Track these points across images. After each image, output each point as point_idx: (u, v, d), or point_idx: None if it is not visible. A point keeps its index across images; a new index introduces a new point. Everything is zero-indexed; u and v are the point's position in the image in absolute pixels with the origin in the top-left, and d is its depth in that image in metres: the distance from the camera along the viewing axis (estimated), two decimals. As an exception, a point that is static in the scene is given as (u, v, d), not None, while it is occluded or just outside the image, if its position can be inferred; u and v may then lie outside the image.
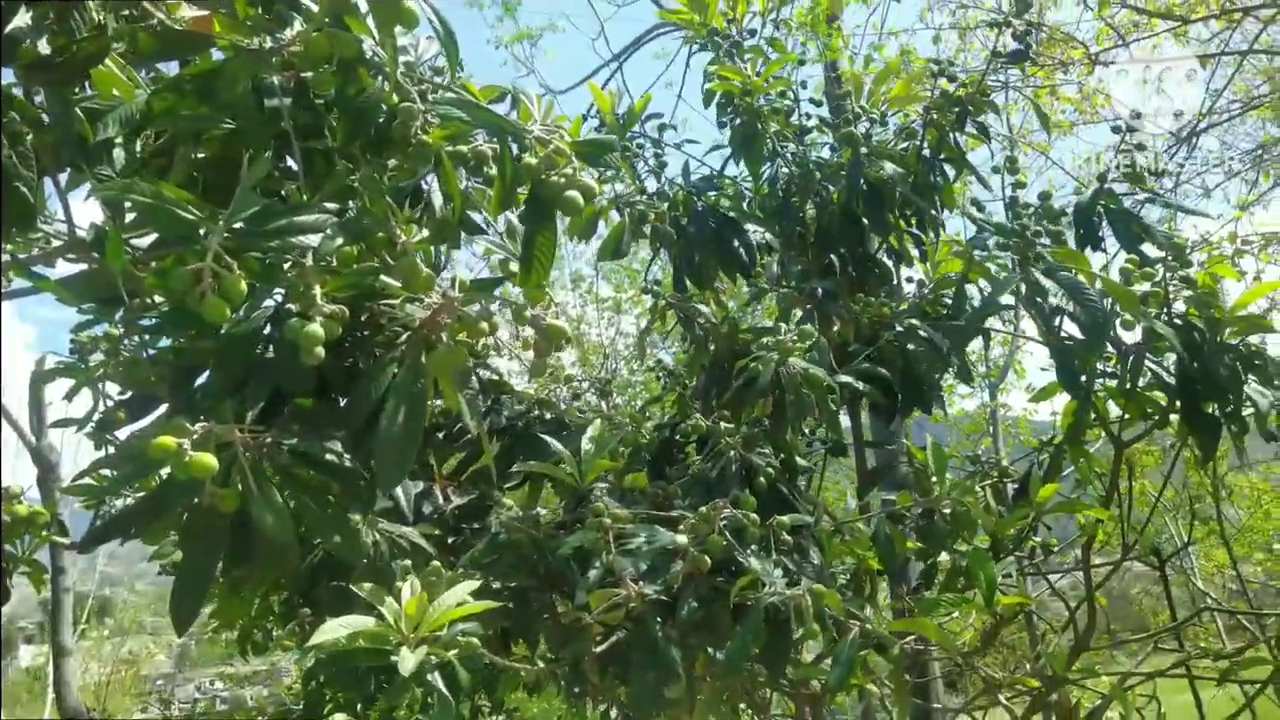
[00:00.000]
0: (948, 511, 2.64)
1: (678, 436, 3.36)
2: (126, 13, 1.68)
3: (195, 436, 1.26)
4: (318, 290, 1.33)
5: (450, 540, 2.84)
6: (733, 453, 2.23)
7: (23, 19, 1.52)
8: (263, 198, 1.34)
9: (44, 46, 1.59)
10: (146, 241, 1.66)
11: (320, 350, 1.31)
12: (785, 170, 3.13)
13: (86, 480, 2.80)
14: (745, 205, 3.34)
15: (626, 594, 1.84)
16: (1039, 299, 2.23)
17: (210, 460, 1.23)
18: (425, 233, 1.53)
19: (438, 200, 1.71)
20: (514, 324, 1.46)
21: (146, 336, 1.89)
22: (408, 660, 1.43)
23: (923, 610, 1.99)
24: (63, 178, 1.87)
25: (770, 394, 2.22)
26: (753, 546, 1.98)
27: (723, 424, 2.28)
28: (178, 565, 1.44)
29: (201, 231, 1.26)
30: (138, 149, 2.05)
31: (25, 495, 2.17)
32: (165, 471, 1.52)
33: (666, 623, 1.92)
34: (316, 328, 1.30)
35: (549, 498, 3.15)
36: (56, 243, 1.98)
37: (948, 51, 7.40)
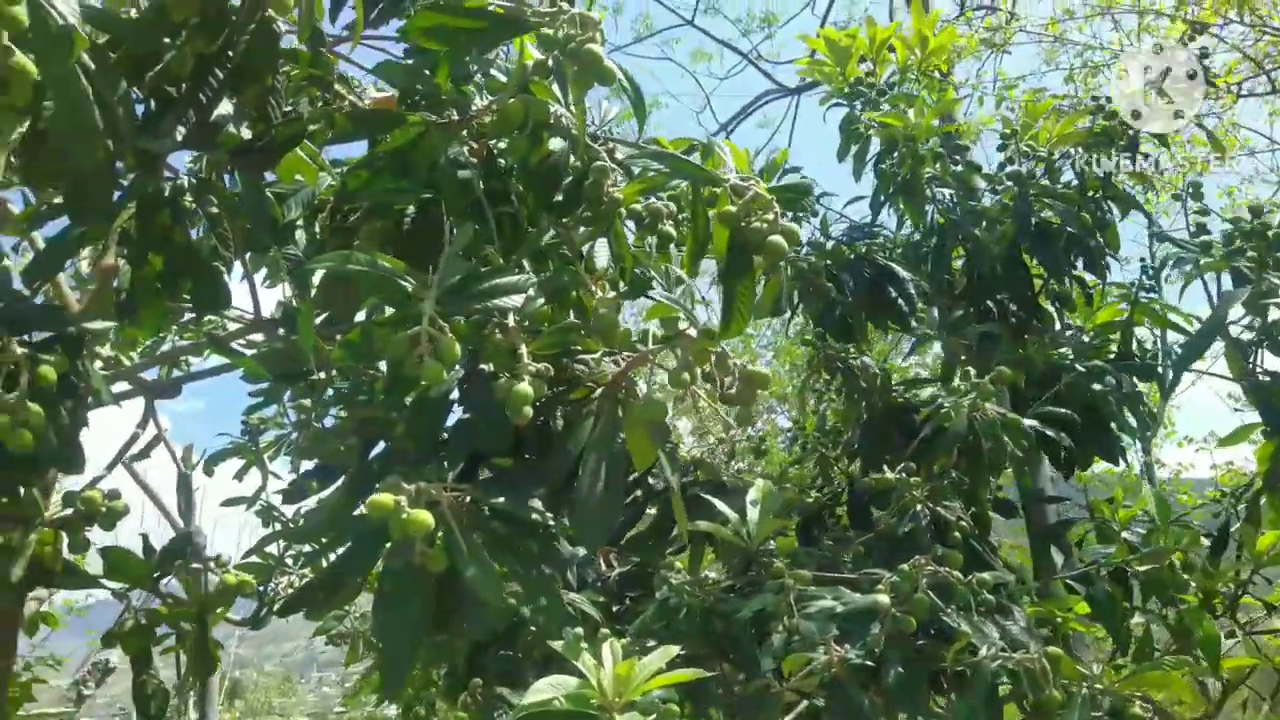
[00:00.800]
0: (1143, 569, 2.45)
1: (826, 497, 3.25)
2: (319, 98, 1.76)
3: (411, 495, 1.25)
4: (524, 350, 1.32)
5: (615, 608, 2.79)
6: (920, 507, 2.12)
7: (225, 107, 1.60)
8: (466, 262, 1.36)
9: (245, 133, 1.68)
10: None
11: (529, 410, 1.30)
12: (939, 217, 3.05)
13: (254, 558, 2.88)
14: (892, 254, 3.27)
15: (828, 658, 1.74)
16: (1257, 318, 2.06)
17: (427, 517, 1.23)
18: (613, 291, 1.52)
19: (601, 259, 1.71)
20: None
21: (335, 408, 1.94)
22: (623, 722, 1.37)
23: (1144, 673, 1.81)
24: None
25: (960, 444, 2.11)
26: (952, 606, 1.86)
27: (910, 477, 2.18)
28: (383, 629, 1.42)
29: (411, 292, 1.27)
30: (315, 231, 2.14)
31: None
32: (359, 539, 1.54)
33: (868, 689, 1.81)
34: (526, 387, 1.29)
35: (705, 561, 3.07)
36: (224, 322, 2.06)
37: (1077, 90, 7.19)
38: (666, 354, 1.40)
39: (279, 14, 1.25)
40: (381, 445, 1.81)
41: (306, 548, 3.45)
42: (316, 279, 1.88)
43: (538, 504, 1.44)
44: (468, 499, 1.41)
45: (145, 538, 1.66)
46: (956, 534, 2.06)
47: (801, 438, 3.75)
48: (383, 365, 1.97)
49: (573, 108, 1.43)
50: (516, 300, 1.35)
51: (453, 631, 1.44)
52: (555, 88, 1.48)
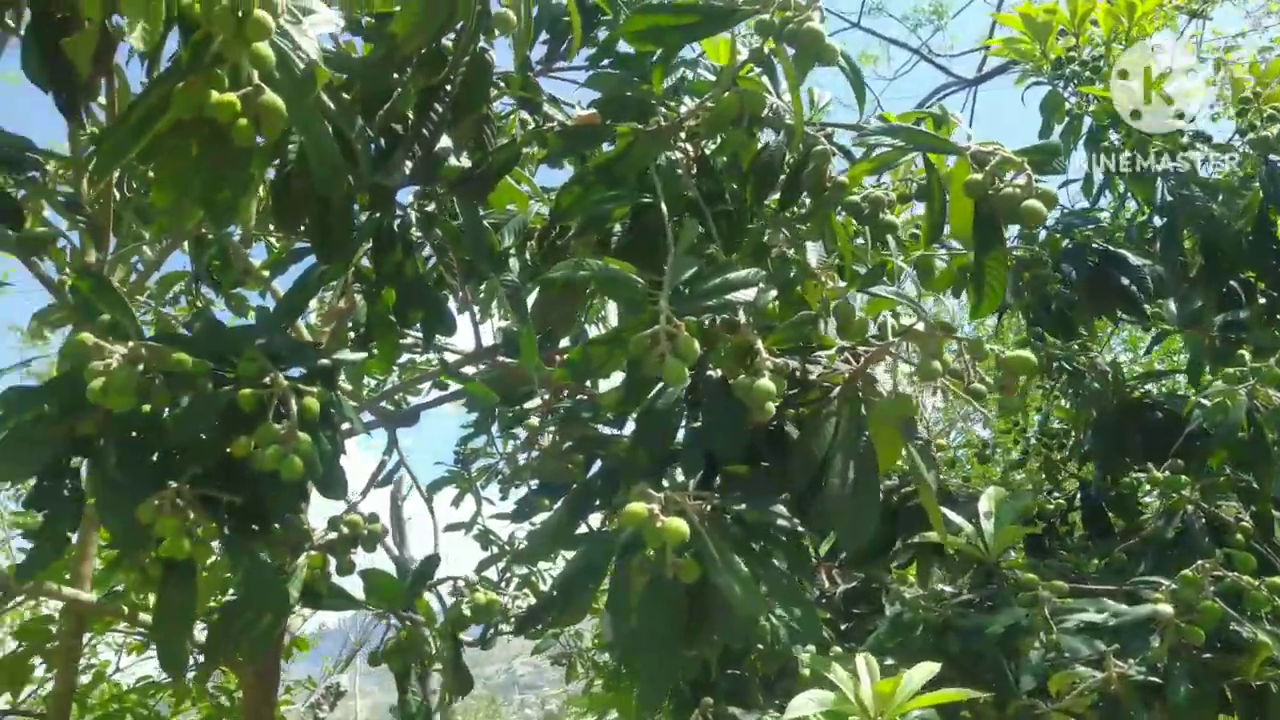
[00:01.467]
0: None
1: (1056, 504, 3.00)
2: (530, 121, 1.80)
3: (662, 504, 1.22)
4: (761, 346, 1.27)
5: (841, 626, 2.69)
6: (1191, 508, 1.90)
7: (445, 139, 1.66)
8: (692, 260, 1.33)
9: (464, 161, 1.73)
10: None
11: (771, 406, 1.25)
12: (1168, 194, 2.79)
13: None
14: (1112, 238, 3.02)
15: (1105, 675, 1.57)
16: None
17: (683, 526, 1.19)
18: (842, 282, 1.45)
19: (813, 256, 1.64)
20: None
21: (560, 425, 1.96)
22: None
23: None
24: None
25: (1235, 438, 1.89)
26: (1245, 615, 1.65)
27: (1178, 476, 1.96)
28: (637, 646, 1.39)
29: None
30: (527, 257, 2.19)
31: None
32: (587, 555, 1.53)
33: (1151, 708, 1.62)
34: (767, 383, 1.24)
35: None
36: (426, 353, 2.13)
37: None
38: (905, 346, 1.32)
39: (502, 31, 1.26)
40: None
41: (522, 569, 3.55)
42: (531, 299, 1.92)
43: (782, 510, 1.39)
44: (709, 507, 1.37)
45: (398, 561, 1.72)
46: (1239, 535, 1.83)
47: (1022, 442, 3.51)
48: (602, 384, 1.98)
49: (786, 95, 1.39)
50: (748, 295, 1.31)
51: (703, 644, 1.39)
52: (765, 80, 1.44)
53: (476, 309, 2.21)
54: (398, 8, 1.29)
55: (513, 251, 2.11)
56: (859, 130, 1.38)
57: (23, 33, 1.27)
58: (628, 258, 1.60)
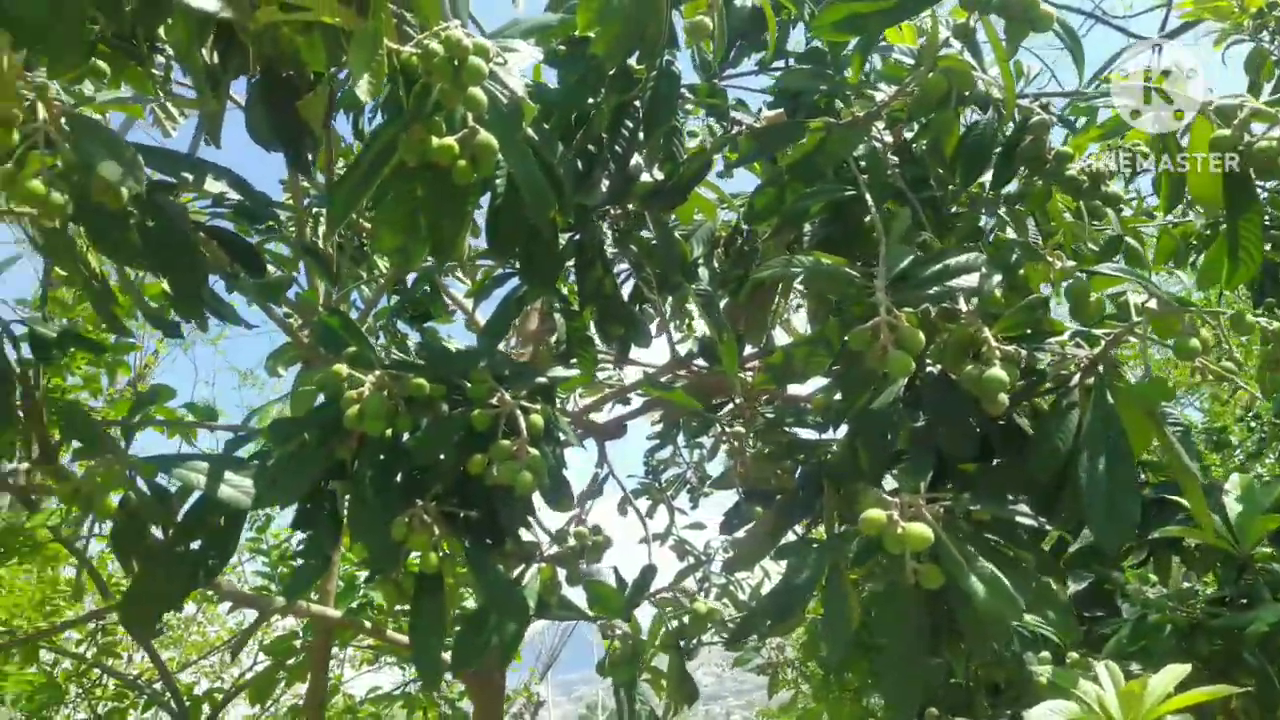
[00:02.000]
0: None
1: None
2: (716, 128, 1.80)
3: (899, 508, 1.19)
4: (989, 334, 1.21)
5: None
6: None
7: (637, 156, 1.69)
8: (906, 248, 1.29)
9: (656, 174, 1.76)
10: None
11: (1004, 398, 1.19)
12: None
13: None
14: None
15: None
16: None
17: (925, 531, 1.15)
18: (1070, 261, 1.37)
19: (1033, 236, 1.55)
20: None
21: (763, 432, 1.95)
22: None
23: None
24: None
25: None
26: None
27: None
28: (883, 660, 1.35)
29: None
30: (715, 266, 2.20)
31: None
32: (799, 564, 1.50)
33: None
34: (999, 372, 1.18)
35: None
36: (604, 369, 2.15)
37: None
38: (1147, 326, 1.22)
39: (696, 39, 1.27)
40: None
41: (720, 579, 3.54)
42: (724, 300, 1.92)
43: (1024, 509, 1.31)
44: (945, 509, 1.31)
45: (616, 571, 1.76)
46: None
47: (1259, 427, 3.21)
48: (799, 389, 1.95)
49: (992, 70, 1.33)
50: (970, 280, 1.25)
51: (951, 654, 1.34)
52: (968, 56, 1.38)
53: (671, 320, 2.23)
54: (592, 33, 1.32)
55: (703, 260, 2.13)
56: (1080, 96, 1.30)
57: (248, 97, 1.38)
58: (829, 248, 1.58)
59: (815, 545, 1.79)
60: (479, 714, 2.18)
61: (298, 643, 2.75)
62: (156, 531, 1.46)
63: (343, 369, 1.34)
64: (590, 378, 2.04)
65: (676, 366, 2.22)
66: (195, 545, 1.46)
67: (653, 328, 2.12)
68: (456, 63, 1.15)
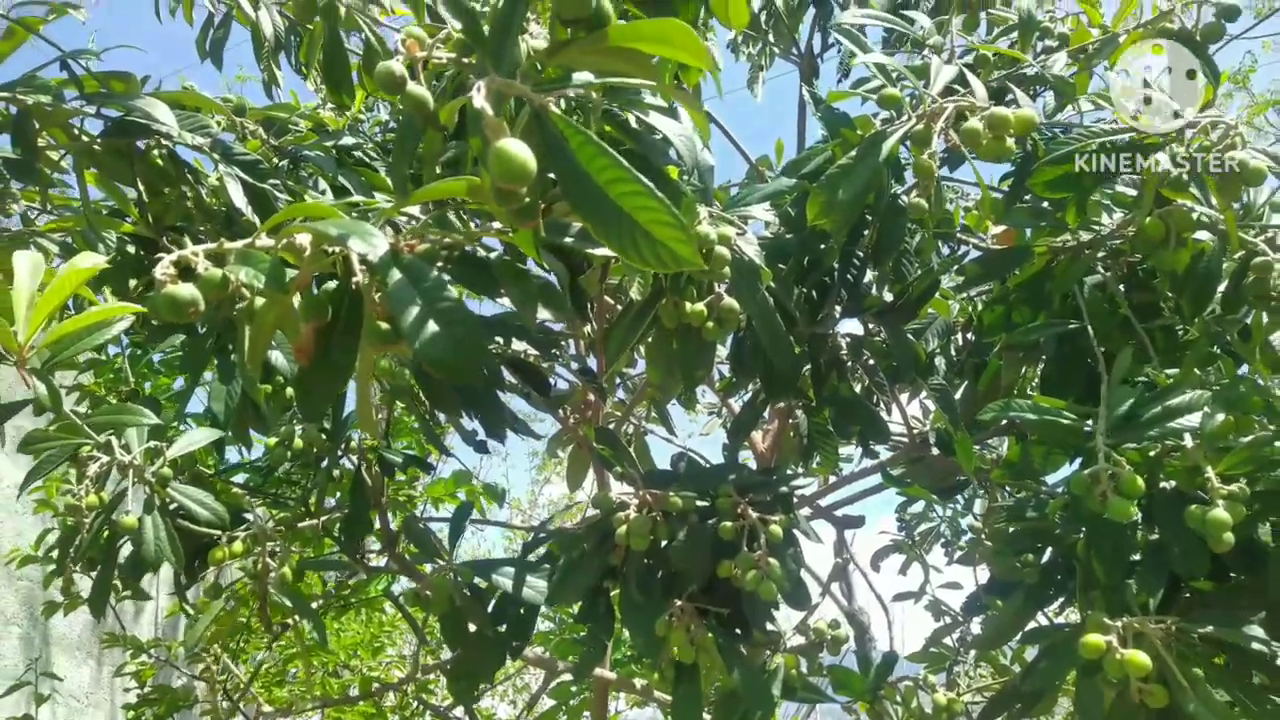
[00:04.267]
0: None
1: None
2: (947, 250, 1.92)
3: (1120, 633, 1.27)
4: (1212, 473, 1.26)
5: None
6: None
7: (869, 274, 1.84)
8: (1129, 390, 1.36)
9: (886, 295, 1.90)
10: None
11: (1229, 537, 1.23)
12: None
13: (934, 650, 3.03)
14: None
15: None
16: None
17: (1144, 660, 1.23)
18: (1307, 386, 1.37)
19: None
20: None
21: (1008, 518, 2.01)
22: None
23: None
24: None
25: None
26: None
27: None
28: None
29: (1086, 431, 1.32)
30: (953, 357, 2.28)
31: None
32: (1052, 653, 1.58)
33: None
34: (1222, 513, 1.23)
35: None
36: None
37: None
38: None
39: (923, 181, 1.41)
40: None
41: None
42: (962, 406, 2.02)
43: (1258, 630, 1.34)
44: (1174, 628, 1.36)
45: (861, 656, 1.91)
46: None
47: None
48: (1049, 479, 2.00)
49: (1214, 206, 1.36)
50: (1193, 420, 1.30)
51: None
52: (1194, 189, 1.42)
53: (906, 409, 2.34)
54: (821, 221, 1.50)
55: (938, 351, 2.23)
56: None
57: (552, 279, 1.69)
58: (1055, 381, 1.66)
59: (1066, 632, 1.86)
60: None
61: (574, 688, 3.11)
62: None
63: (612, 496, 1.61)
64: (830, 469, 2.20)
65: (913, 450, 2.33)
66: (502, 629, 1.79)
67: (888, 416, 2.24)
68: (705, 251, 1.38)
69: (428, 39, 1.07)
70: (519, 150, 0.69)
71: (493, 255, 0.97)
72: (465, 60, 1.00)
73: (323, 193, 2.09)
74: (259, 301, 0.97)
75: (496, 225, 1.05)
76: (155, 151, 1.77)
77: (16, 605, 5.86)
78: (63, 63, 1.60)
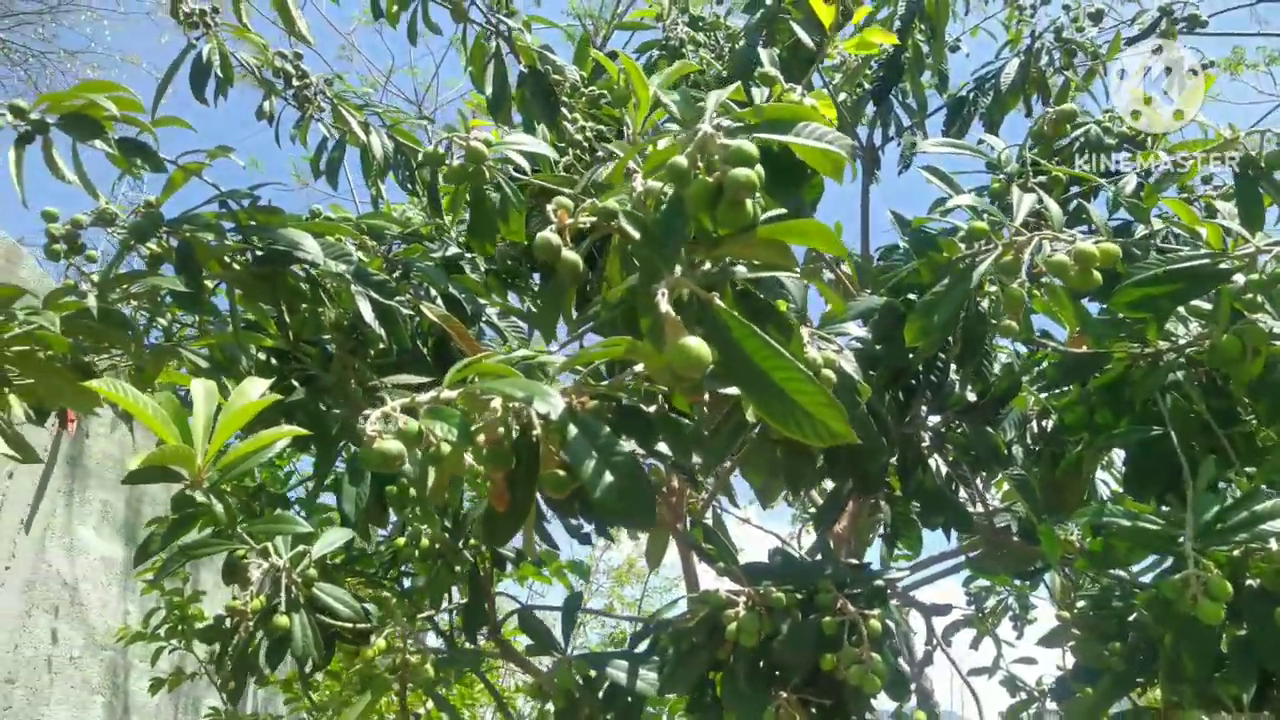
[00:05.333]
0: None
1: None
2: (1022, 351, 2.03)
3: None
4: (1302, 577, 1.35)
5: None
6: None
7: (952, 376, 1.95)
8: (1213, 496, 1.45)
9: (969, 394, 2.01)
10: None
11: (1320, 639, 1.31)
12: None
13: None
14: None
15: None
16: None
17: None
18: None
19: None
20: None
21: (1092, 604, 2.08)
22: None
23: None
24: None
25: None
26: None
27: None
28: None
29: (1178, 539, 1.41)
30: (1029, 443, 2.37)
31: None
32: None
33: None
34: (1312, 619, 1.31)
35: None
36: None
37: None
38: None
39: (1014, 308, 1.52)
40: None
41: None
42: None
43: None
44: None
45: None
46: None
47: None
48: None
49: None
50: (1277, 525, 1.39)
51: None
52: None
53: (989, 498, 2.43)
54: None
55: (1015, 440, 2.32)
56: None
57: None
58: (1137, 481, 1.74)
59: (1152, 715, 1.92)
60: None
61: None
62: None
63: (721, 594, 1.72)
64: (914, 555, 2.29)
65: (992, 537, 2.40)
66: (610, 717, 1.90)
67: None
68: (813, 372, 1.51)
69: (572, 206, 1.24)
70: (698, 346, 0.83)
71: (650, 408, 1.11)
72: (621, 227, 1.14)
73: (434, 300, 2.27)
74: (444, 448, 1.12)
75: (637, 369, 1.19)
76: (293, 274, 1.96)
77: (100, 675, 6.06)
78: (221, 201, 1.80)
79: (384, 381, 2.15)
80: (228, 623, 1.96)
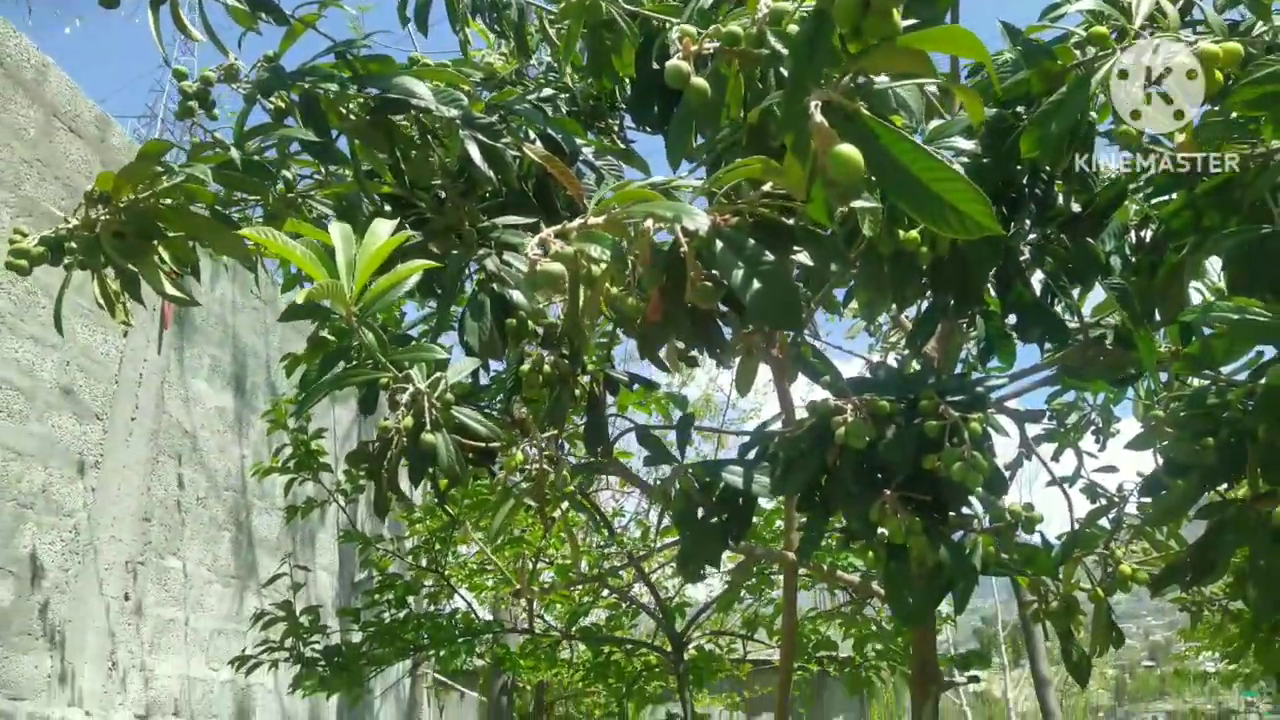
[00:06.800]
0: None
1: None
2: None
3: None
4: None
5: None
6: None
7: (1057, 188, 1.97)
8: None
9: (1074, 205, 2.03)
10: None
11: None
12: None
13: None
14: None
15: None
16: None
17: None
18: None
19: None
20: None
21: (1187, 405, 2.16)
22: None
23: None
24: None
25: None
26: None
27: None
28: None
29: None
30: (1127, 254, 2.38)
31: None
32: (1222, 528, 1.75)
33: None
34: None
35: None
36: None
37: None
38: None
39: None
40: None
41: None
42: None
43: None
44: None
45: (1042, 535, 2.13)
46: None
47: None
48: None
49: None
50: (1387, 317, 1.43)
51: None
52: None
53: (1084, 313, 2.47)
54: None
55: (1115, 251, 2.34)
56: None
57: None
58: (1243, 281, 1.77)
59: (1237, 507, 2.03)
60: (916, 649, 2.66)
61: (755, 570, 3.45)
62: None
63: (830, 400, 1.84)
64: (1009, 367, 2.37)
65: (1087, 348, 2.46)
66: (725, 518, 2.07)
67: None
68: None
69: (697, 34, 1.28)
70: (853, 152, 0.90)
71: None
72: (745, 51, 1.18)
73: (532, 141, 2.33)
74: (595, 270, 1.22)
75: (765, 188, 1.26)
76: (407, 122, 2.04)
77: (224, 514, 6.61)
78: (337, 53, 1.86)
79: (495, 222, 2.25)
80: (371, 447, 2.16)
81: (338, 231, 1.69)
